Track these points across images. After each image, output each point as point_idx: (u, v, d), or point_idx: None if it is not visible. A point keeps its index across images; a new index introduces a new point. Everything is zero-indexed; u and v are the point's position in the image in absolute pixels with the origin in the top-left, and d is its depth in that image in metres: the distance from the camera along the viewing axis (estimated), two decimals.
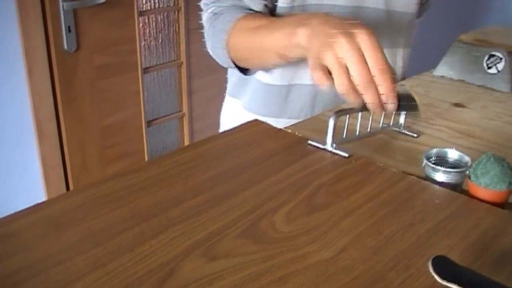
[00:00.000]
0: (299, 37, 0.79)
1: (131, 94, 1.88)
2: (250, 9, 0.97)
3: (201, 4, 1.01)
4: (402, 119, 0.84)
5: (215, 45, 0.98)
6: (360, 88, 0.70)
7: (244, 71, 1.01)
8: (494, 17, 1.76)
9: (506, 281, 0.48)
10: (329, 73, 0.72)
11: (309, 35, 0.77)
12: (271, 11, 0.99)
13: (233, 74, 1.13)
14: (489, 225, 0.58)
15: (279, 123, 0.87)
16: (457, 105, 0.98)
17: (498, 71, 1.04)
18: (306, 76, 1.03)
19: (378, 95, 0.70)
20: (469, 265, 0.51)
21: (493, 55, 1.05)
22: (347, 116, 0.76)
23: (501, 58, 1.04)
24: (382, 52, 0.71)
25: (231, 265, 0.51)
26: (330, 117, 0.74)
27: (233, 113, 1.14)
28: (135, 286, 0.48)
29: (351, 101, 0.71)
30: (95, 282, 0.48)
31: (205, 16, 1.00)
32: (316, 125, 0.87)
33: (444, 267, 0.49)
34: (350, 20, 0.74)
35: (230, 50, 0.95)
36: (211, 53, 1.01)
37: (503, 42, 1.10)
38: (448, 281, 0.47)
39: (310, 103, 1.05)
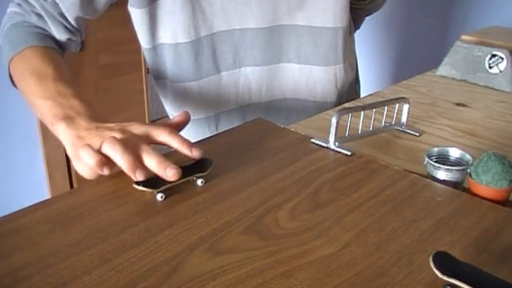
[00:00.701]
0: (59, 129, 0.70)
1: (135, 94, 1.89)
2: (50, 33, 0.89)
3: None
4: (404, 118, 0.85)
5: (4, 52, 0.88)
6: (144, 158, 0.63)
7: None
8: (495, 17, 1.76)
9: (507, 276, 0.49)
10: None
11: (70, 133, 0.68)
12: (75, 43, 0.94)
13: (166, 108, 1.11)
14: (490, 222, 0.59)
15: None
16: (459, 104, 0.99)
17: (500, 71, 1.05)
18: (232, 101, 1.02)
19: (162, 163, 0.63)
20: (471, 261, 0.51)
21: (495, 55, 1.06)
22: (350, 114, 0.77)
23: (502, 58, 1.05)
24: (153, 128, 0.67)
25: (235, 261, 0.51)
26: (332, 116, 0.74)
27: None
28: (141, 281, 0.49)
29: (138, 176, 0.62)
30: (101, 276, 0.49)
31: (10, 11, 0.91)
32: (318, 123, 0.87)
33: (445, 262, 0.50)
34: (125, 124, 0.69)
35: (11, 72, 0.87)
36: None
37: (505, 42, 1.11)
38: (449, 276, 0.48)
39: None
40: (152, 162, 0.63)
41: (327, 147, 0.75)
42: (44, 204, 0.60)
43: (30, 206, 0.59)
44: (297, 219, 0.58)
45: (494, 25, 1.34)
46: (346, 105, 0.98)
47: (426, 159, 0.68)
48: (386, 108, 0.82)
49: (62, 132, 0.69)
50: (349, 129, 0.77)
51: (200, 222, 0.57)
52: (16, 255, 0.52)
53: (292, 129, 0.80)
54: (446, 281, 0.48)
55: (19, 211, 0.58)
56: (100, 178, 0.64)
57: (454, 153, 0.70)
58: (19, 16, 0.90)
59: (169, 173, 0.62)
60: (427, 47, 2.06)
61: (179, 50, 0.96)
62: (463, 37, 1.15)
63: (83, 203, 0.60)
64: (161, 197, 0.62)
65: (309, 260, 0.52)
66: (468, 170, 0.65)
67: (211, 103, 1.02)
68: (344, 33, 1.02)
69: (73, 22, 0.91)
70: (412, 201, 0.62)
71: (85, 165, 0.63)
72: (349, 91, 1.11)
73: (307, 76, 1.03)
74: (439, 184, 0.66)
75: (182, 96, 1.02)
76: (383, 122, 0.83)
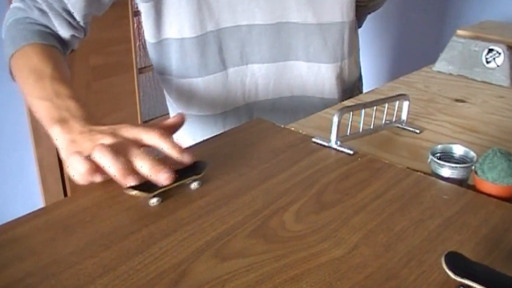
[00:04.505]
0: (54, 132, 0.68)
1: (127, 95, 1.87)
2: (53, 30, 0.88)
3: None
4: (404, 115, 0.84)
5: (5, 48, 0.87)
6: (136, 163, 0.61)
7: None
8: (490, 11, 1.76)
9: None
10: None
11: (65, 137, 0.67)
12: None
13: (170, 105, 1.12)
14: (499, 219, 0.58)
15: None
16: (458, 100, 0.98)
17: (498, 66, 1.05)
18: (238, 99, 1.02)
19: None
20: (481, 260, 0.50)
21: (492, 50, 1.05)
22: (351, 113, 0.76)
23: (499, 53, 1.04)
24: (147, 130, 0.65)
25: (243, 265, 0.50)
26: (334, 115, 0.73)
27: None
28: None
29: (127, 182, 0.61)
30: (106, 286, 0.48)
31: (13, 6, 0.90)
32: (318, 122, 0.86)
33: (457, 263, 0.49)
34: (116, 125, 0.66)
35: (11, 68, 0.87)
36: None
37: (501, 37, 1.10)
38: (462, 277, 0.47)
39: None
40: (144, 166, 0.61)
41: (329, 147, 0.74)
42: (43, 211, 0.58)
43: (29, 214, 0.58)
44: (304, 221, 0.57)
45: (489, 19, 1.33)
46: (347, 103, 0.97)
47: (430, 156, 0.67)
48: (386, 105, 0.81)
49: (57, 135, 0.68)
50: (350, 127, 0.76)
51: (205, 227, 0.56)
52: (17, 265, 0.50)
53: (292, 129, 0.79)
54: (459, 282, 0.47)
55: (17, 219, 0.57)
56: (99, 183, 0.63)
57: (458, 150, 0.69)
58: (21, 12, 0.88)
59: (162, 177, 0.60)
60: (423, 43, 2.05)
61: (185, 45, 0.95)
62: (459, 32, 1.15)
63: (83, 210, 0.59)
64: (157, 201, 0.60)
65: (318, 263, 0.51)
66: (473, 167, 0.65)
67: (217, 100, 1.01)
68: (350, 28, 1.03)
69: (79, 19, 0.89)
70: (418, 200, 0.61)
71: (76, 171, 0.61)
72: (352, 87, 1.12)
73: (315, 73, 1.03)
74: (444, 182, 0.65)
75: (188, 93, 1.01)
76: (383, 119, 0.82)
